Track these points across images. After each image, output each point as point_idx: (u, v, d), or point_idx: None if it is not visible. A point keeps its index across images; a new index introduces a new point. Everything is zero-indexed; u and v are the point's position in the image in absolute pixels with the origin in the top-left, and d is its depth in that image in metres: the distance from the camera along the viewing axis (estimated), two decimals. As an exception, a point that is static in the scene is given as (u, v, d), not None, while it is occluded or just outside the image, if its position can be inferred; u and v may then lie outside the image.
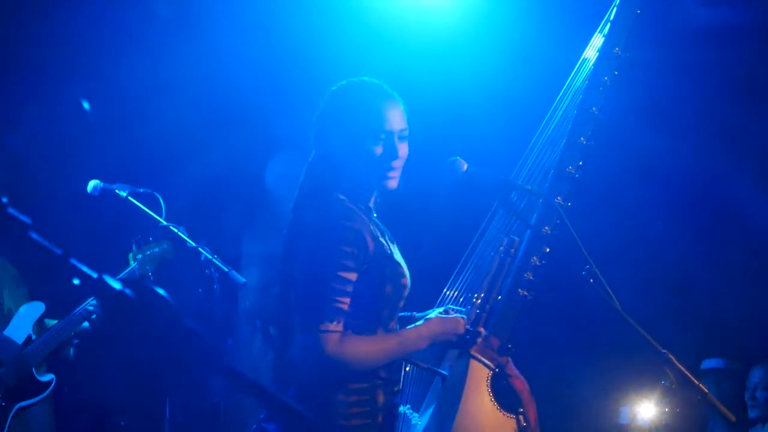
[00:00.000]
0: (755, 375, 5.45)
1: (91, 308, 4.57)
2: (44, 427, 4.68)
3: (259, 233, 5.60)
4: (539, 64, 5.31)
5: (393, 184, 3.10)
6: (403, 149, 3.09)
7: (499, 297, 3.35)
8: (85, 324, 4.61)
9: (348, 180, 3.08)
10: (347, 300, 2.90)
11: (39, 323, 4.64)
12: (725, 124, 5.88)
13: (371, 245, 2.96)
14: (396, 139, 3.07)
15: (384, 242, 3.04)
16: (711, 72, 5.68)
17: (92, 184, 4.71)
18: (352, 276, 2.92)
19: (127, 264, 4.76)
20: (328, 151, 3.09)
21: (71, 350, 4.70)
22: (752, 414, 5.41)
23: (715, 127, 5.88)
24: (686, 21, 5.53)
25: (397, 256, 3.08)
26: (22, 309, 4.62)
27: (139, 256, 4.75)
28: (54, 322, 4.62)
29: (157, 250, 4.79)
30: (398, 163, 3.09)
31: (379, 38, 5.65)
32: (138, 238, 4.77)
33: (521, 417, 3.24)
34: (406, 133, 3.11)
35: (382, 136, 3.06)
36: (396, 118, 3.09)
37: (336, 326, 2.88)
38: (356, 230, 2.94)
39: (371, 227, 3.03)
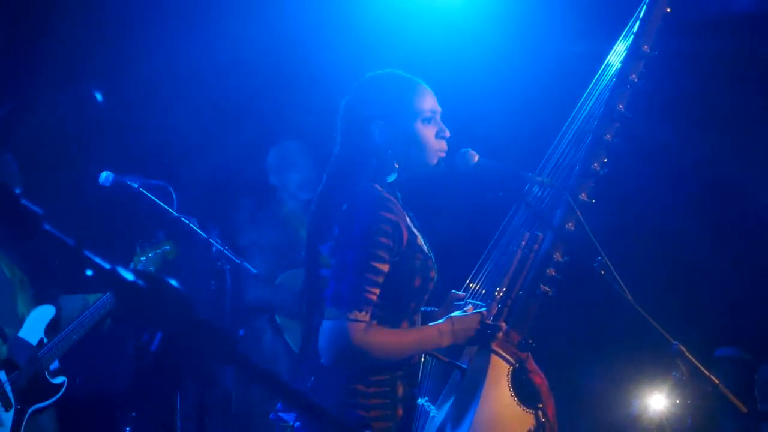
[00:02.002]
0: (766, 368, 5.43)
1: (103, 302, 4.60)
2: (51, 428, 4.70)
3: (261, 223, 5.61)
4: (561, 58, 5.31)
5: (436, 161, 3.14)
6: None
7: (521, 292, 3.34)
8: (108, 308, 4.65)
9: (384, 165, 3.08)
10: (377, 290, 2.90)
11: (50, 326, 4.65)
12: (740, 117, 5.86)
13: (405, 237, 2.96)
14: (439, 118, 3.14)
15: (417, 233, 3.05)
16: (726, 64, 5.66)
17: (104, 175, 4.73)
18: (385, 267, 2.92)
19: (133, 265, 4.79)
20: (364, 136, 3.08)
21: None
22: (764, 407, 5.39)
23: (730, 119, 5.86)
24: (700, 12, 5.50)
25: (426, 247, 3.09)
26: (33, 313, 4.63)
27: (143, 258, 4.79)
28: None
29: (159, 251, 4.84)
30: (445, 144, 3.13)
31: (393, 30, 5.65)
32: (141, 241, 4.81)
33: (540, 412, 3.24)
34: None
35: (428, 115, 3.10)
36: (434, 100, 3.15)
37: (364, 316, 2.87)
38: (394, 222, 2.94)
39: (407, 218, 3.04)
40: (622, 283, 3.31)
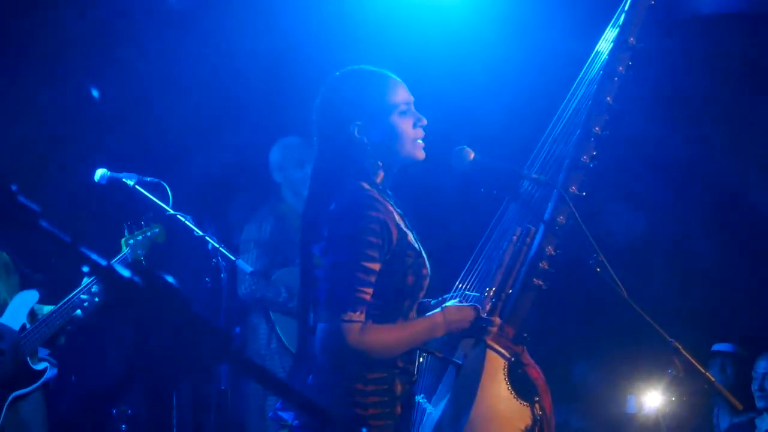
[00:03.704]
0: (762, 365, 5.44)
1: (84, 296, 4.57)
2: (36, 416, 4.67)
3: (257, 219, 5.61)
4: (550, 55, 5.31)
5: (422, 153, 3.13)
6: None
7: (514, 287, 3.34)
8: (78, 312, 4.61)
9: (369, 164, 3.07)
10: (370, 290, 2.90)
11: (32, 312, 4.63)
12: (735, 114, 5.87)
13: (395, 236, 2.96)
14: (413, 108, 3.13)
15: (407, 231, 3.05)
16: (722, 61, 5.66)
17: (99, 172, 4.72)
18: (376, 266, 2.91)
19: (120, 249, 4.75)
20: (344, 138, 3.06)
21: (62, 338, 4.68)
22: (760, 404, 5.40)
23: (726, 116, 5.87)
24: (699, 8, 5.51)
25: (417, 244, 3.08)
26: (16, 298, 4.61)
27: (131, 241, 4.76)
28: (50, 308, 4.61)
29: (149, 234, 4.81)
30: (422, 132, 3.13)
31: (387, 28, 5.65)
32: (129, 223, 4.78)
33: (537, 405, 3.25)
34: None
35: (403, 107, 3.09)
36: (406, 91, 3.14)
37: (358, 316, 2.87)
38: (382, 221, 2.93)
39: (396, 216, 3.03)
40: (618, 281, 3.31)
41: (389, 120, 3.07)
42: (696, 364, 3.41)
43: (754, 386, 5.42)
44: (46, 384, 4.66)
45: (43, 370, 4.58)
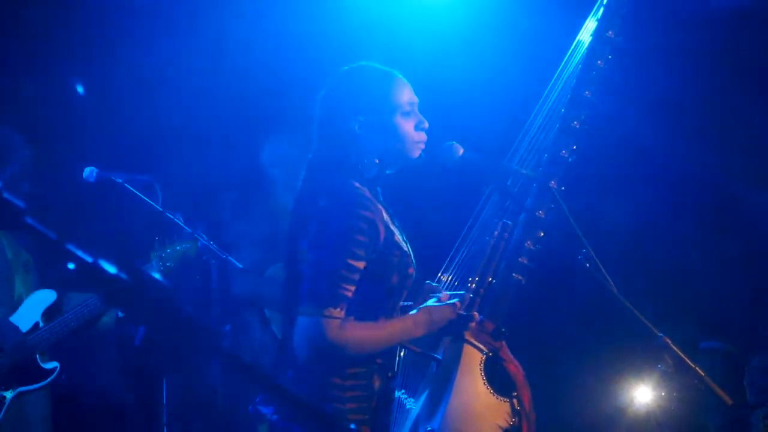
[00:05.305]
0: (756, 359, 5.44)
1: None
2: (40, 413, 4.67)
3: (251, 216, 5.60)
4: (532, 48, 5.31)
5: (417, 152, 3.14)
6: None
7: (494, 281, 3.34)
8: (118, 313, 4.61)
9: (364, 162, 3.07)
10: (352, 287, 2.91)
11: (49, 311, 4.63)
12: (723, 111, 5.88)
13: (383, 235, 2.97)
14: (417, 110, 3.14)
15: (394, 230, 3.05)
16: (709, 58, 5.67)
17: (88, 170, 4.71)
18: (360, 264, 2.92)
19: (149, 260, 4.73)
20: (344, 132, 3.07)
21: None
22: (752, 400, 5.41)
23: (713, 112, 5.87)
24: (686, 4, 5.52)
25: (405, 244, 3.08)
26: (32, 296, 4.62)
27: (162, 254, 4.74)
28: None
29: (179, 248, 4.79)
30: (424, 135, 3.14)
31: (370, 23, 5.64)
32: (159, 237, 4.77)
33: (515, 401, 3.24)
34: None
35: (407, 108, 3.10)
36: (411, 92, 3.15)
37: (339, 312, 2.88)
38: (370, 220, 2.94)
39: (384, 215, 3.03)
40: (607, 276, 3.32)
41: (392, 119, 3.08)
42: (686, 359, 3.41)
43: (746, 381, 5.43)
44: (53, 385, 4.66)
45: (53, 369, 4.59)
